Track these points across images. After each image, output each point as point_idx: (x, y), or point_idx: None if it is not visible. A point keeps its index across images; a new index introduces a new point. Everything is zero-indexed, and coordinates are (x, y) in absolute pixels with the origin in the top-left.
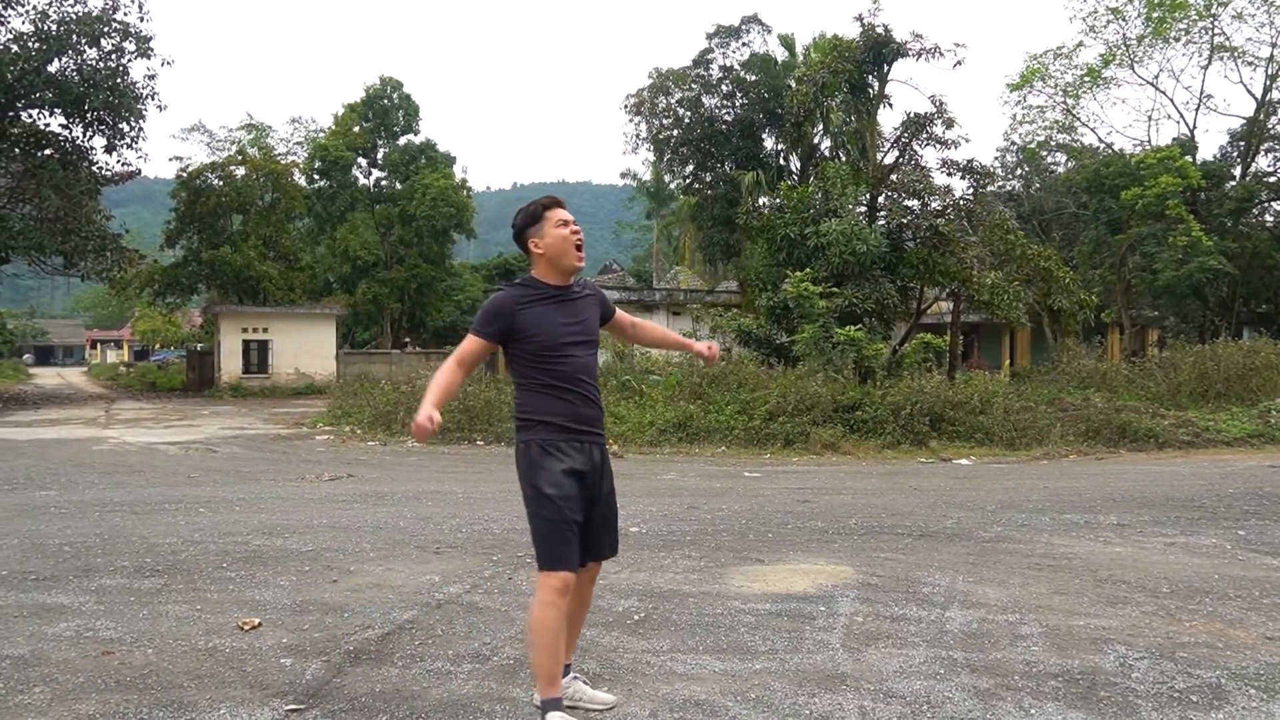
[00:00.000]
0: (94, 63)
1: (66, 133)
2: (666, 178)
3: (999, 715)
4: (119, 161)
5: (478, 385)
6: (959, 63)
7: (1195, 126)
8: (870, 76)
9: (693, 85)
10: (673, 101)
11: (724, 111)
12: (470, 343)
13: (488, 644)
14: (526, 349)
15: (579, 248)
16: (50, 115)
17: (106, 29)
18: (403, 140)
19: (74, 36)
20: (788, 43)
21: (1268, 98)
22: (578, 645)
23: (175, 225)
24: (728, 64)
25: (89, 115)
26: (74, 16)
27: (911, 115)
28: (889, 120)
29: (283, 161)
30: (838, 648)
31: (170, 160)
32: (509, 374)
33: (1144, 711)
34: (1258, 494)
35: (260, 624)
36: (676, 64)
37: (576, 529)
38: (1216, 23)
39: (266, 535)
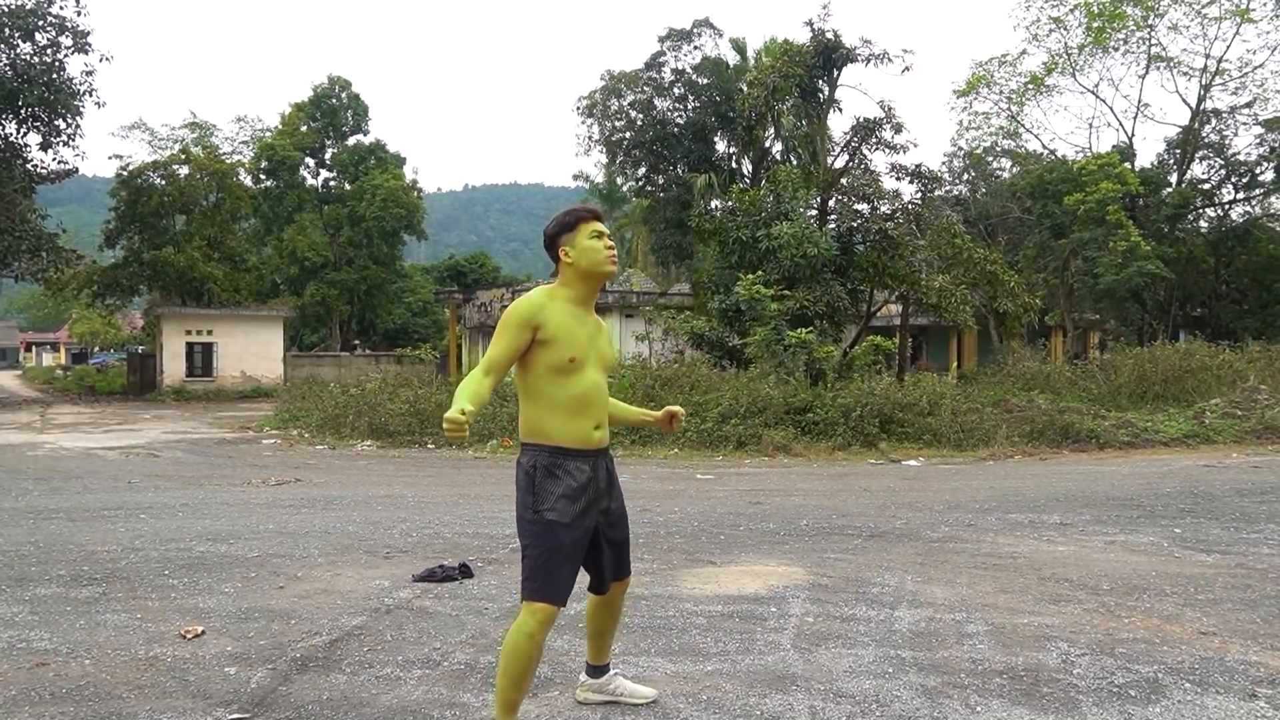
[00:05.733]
0: (28, 57)
1: None
2: (619, 180)
3: (946, 713)
4: (55, 159)
5: (429, 388)
6: (907, 68)
7: (1134, 134)
8: (820, 81)
9: (645, 88)
10: (625, 104)
11: (676, 114)
12: (498, 349)
13: (438, 649)
14: (546, 358)
15: (612, 261)
16: None
17: (41, 23)
18: (352, 140)
19: (6, 30)
20: (739, 47)
21: (1202, 107)
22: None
23: (115, 225)
24: (679, 67)
25: (23, 111)
26: (6, 9)
27: (861, 120)
28: (839, 125)
29: (228, 161)
30: (788, 648)
31: (110, 159)
32: (519, 389)
33: (1085, 707)
34: (1193, 493)
35: (203, 632)
36: (629, 66)
37: (573, 560)
38: (1153, 33)
39: (210, 541)
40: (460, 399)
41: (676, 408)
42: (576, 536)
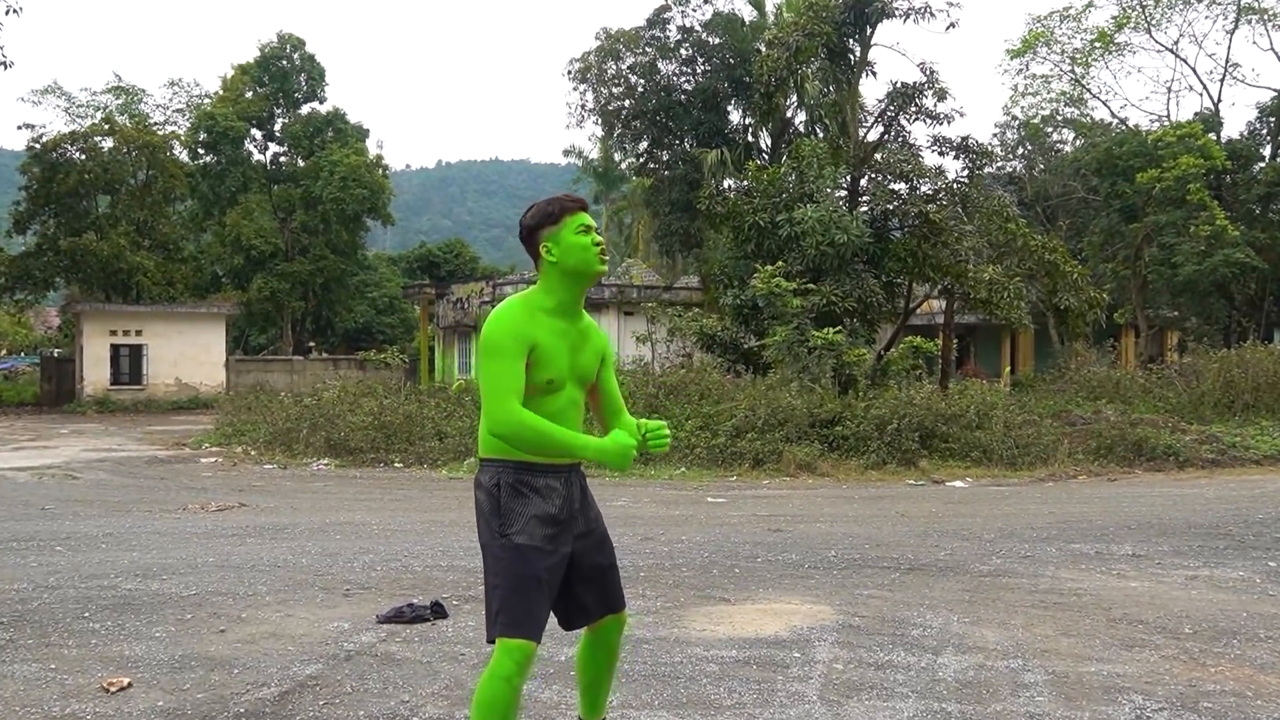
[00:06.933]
0: None
1: None
2: (617, 156)
3: None
4: None
5: (396, 397)
6: (952, 24)
7: (1220, 99)
8: (851, 40)
9: (647, 49)
10: (624, 67)
11: (683, 79)
12: (512, 375)
13: (406, 702)
14: (537, 385)
15: (603, 258)
16: None
17: None
18: (306, 109)
19: None
20: (757, 1)
21: None
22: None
23: (26, 207)
24: (687, 24)
25: None
26: None
27: (898, 85)
28: (873, 91)
29: (160, 132)
30: (815, 700)
31: (19, 129)
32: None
33: None
34: None
35: (130, 684)
36: (628, 24)
37: (549, 589)
38: None
39: (139, 577)
40: (582, 439)
41: (644, 426)
42: (551, 564)
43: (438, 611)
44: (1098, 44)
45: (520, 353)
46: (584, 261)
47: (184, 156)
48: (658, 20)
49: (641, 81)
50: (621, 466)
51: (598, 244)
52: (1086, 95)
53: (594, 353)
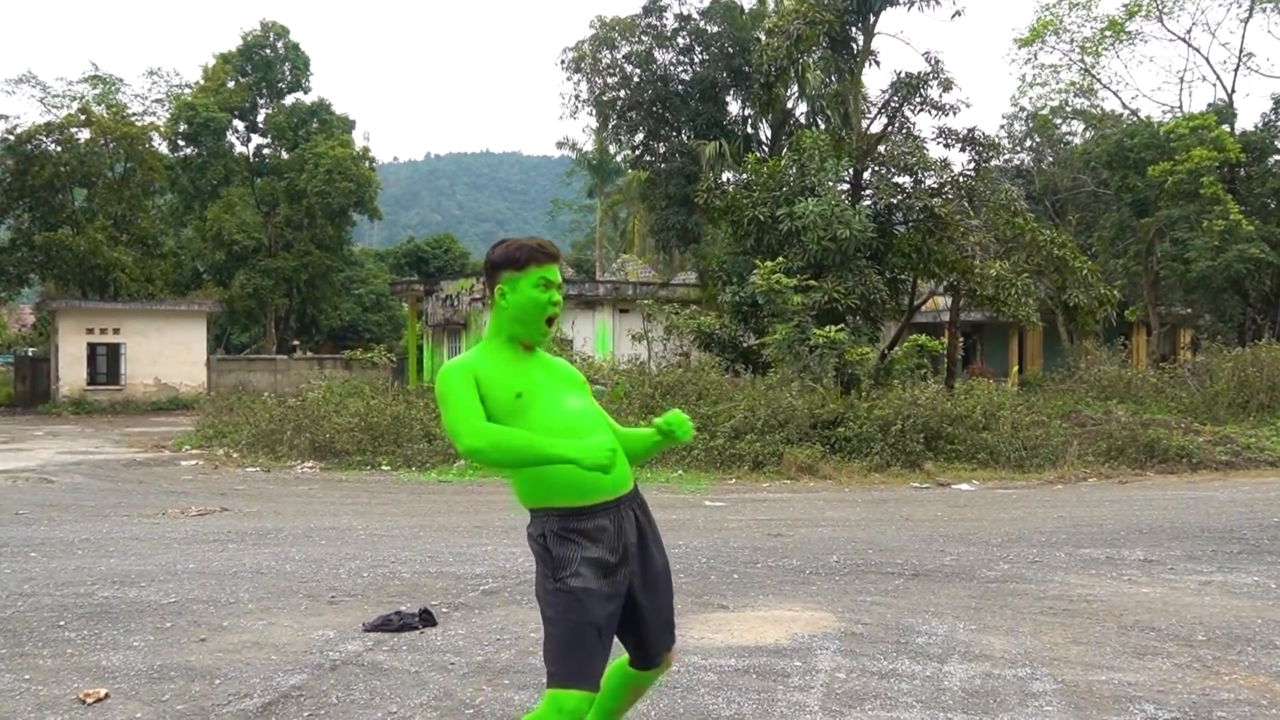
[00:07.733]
0: None
1: None
2: (612, 148)
3: None
4: None
5: (383, 398)
6: (958, 13)
7: (1234, 90)
8: (854, 29)
9: (643, 37)
10: (619, 56)
11: (680, 69)
12: (469, 401)
13: (393, 713)
14: (493, 409)
15: (550, 321)
16: None
17: None
18: (290, 99)
19: None
20: None
21: None
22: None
23: (0, 201)
24: (685, 12)
25: None
26: None
27: (902, 75)
28: (876, 81)
29: (138, 123)
30: (816, 710)
31: None
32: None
33: None
34: None
35: (108, 695)
36: (623, 11)
37: (605, 636)
38: None
39: (117, 585)
40: (553, 441)
41: (670, 417)
42: (610, 609)
43: (426, 620)
44: (1108, 33)
45: (468, 383)
46: (531, 319)
47: (163, 148)
48: (654, 7)
49: (637, 71)
50: (596, 463)
51: (554, 303)
52: (1096, 86)
53: (564, 368)
